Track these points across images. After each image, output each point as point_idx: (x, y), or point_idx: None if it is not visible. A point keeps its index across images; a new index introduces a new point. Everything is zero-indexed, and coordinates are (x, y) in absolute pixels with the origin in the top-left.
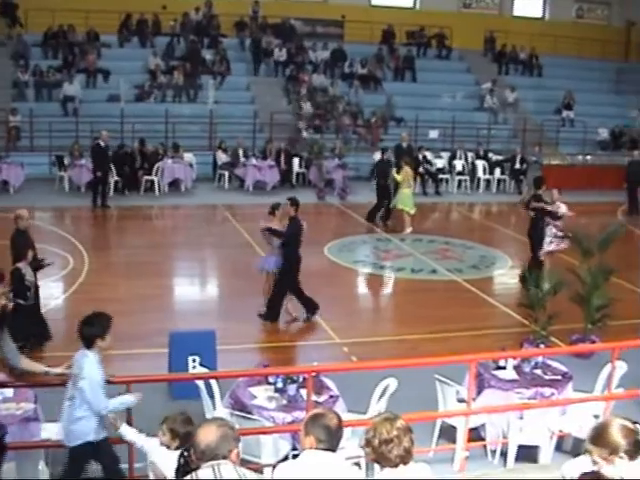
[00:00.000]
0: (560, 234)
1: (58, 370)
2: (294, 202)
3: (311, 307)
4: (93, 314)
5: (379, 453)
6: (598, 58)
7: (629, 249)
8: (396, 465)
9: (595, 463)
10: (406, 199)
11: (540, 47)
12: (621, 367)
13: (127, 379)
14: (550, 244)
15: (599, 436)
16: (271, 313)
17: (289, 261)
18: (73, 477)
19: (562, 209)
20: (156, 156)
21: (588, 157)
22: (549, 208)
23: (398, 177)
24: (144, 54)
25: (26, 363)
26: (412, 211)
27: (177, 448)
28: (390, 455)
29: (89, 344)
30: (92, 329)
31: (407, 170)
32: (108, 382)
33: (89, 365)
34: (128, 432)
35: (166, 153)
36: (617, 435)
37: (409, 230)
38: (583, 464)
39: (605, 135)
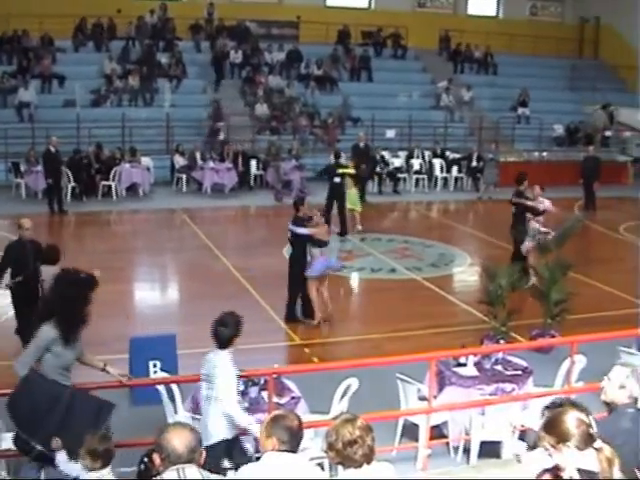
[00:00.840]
0: (543, 230)
1: (115, 372)
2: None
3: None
4: (226, 315)
5: (344, 455)
6: (552, 55)
7: (586, 244)
8: (360, 465)
9: (546, 450)
10: (353, 198)
11: (495, 45)
12: (580, 361)
13: (88, 386)
14: (532, 240)
15: (552, 424)
16: (309, 312)
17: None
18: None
19: (545, 204)
20: (113, 161)
21: (544, 153)
22: (530, 204)
23: (349, 170)
24: (99, 58)
25: (88, 358)
26: (359, 209)
27: (102, 467)
28: (355, 456)
29: (225, 344)
30: (227, 330)
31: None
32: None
33: (224, 364)
34: (61, 461)
35: (123, 157)
36: (570, 425)
37: (360, 227)
38: (541, 456)
39: (561, 131)
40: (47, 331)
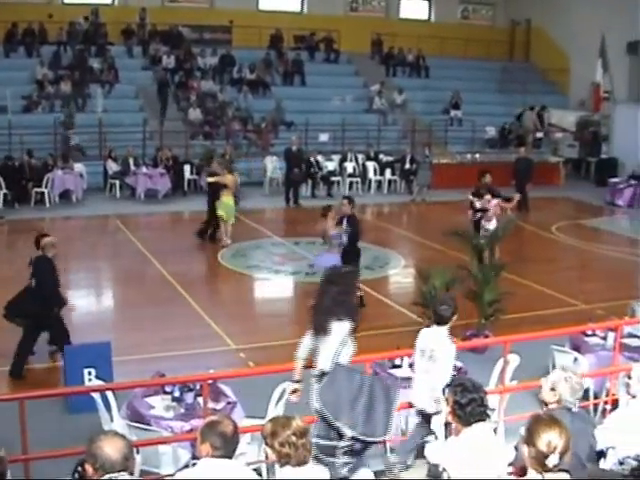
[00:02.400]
0: (491, 227)
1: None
2: (350, 200)
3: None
4: (446, 295)
5: (284, 454)
6: (484, 58)
7: (519, 244)
8: (298, 464)
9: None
10: (227, 207)
11: (427, 49)
12: (514, 360)
13: (20, 395)
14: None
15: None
16: None
17: (349, 256)
18: (420, 439)
19: (492, 203)
20: (46, 167)
21: (477, 155)
22: (478, 205)
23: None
24: (31, 64)
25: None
26: (232, 221)
27: None
28: (295, 454)
29: (443, 321)
30: (448, 309)
31: (229, 177)
32: None
33: (444, 340)
34: None
35: (56, 164)
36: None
37: (228, 242)
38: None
39: (493, 133)
40: (343, 326)
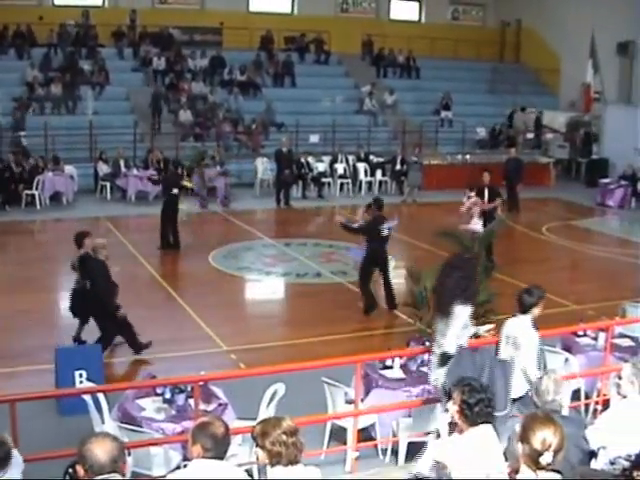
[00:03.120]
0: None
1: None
2: (377, 202)
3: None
4: (532, 286)
5: (275, 453)
6: (474, 59)
7: (510, 245)
8: (289, 463)
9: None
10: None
11: (417, 50)
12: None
13: (12, 397)
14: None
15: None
16: (368, 304)
17: (369, 255)
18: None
19: (471, 201)
20: (36, 169)
21: (467, 156)
22: (467, 204)
23: (188, 184)
24: (21, 66)
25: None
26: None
27: None
28: (286, 453)
29: (526, 310)
30: (531, 298)
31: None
32: None
33: (527, 328)
34: None
35: (46, 166)
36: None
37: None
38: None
39: (483, 134)
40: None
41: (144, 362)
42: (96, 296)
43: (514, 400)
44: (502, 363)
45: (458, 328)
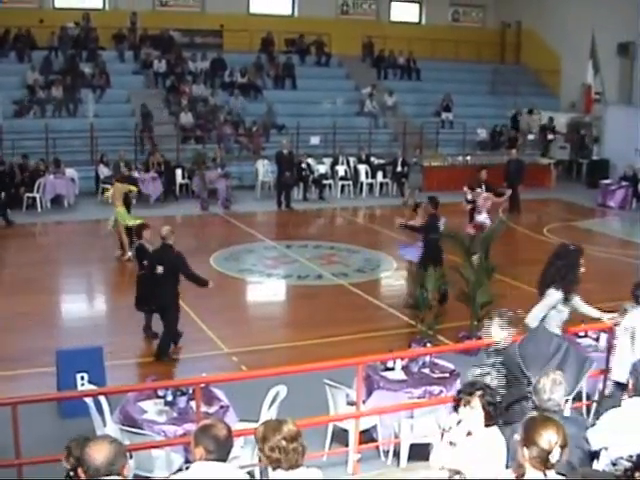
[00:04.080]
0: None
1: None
2: (433, 201)
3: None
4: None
5: (274, 459)
6: (474, 60)
7: (511, 246)
8: (290, 468)
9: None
10: (124, 215)
11: (417, 51)
12: None
13: (13, 400)
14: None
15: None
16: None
17: (428, 252)
18: (609, 407)
19: (483, 196)
20: (37, 172)
21: (468, 157)
22: (469, 197)
23: (108, 194)
24: (22, 69)
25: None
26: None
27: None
28: (285, 459)
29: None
30: None
31: (117, 186)
32: None
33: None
34: None
35: (47, 169)
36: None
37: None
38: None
39: (484, 135)
40: (554, 294)
41: (146, 364)
42: (167, 280)
43: (617, 385)
44: (582, 357)
45: (544, 307)
